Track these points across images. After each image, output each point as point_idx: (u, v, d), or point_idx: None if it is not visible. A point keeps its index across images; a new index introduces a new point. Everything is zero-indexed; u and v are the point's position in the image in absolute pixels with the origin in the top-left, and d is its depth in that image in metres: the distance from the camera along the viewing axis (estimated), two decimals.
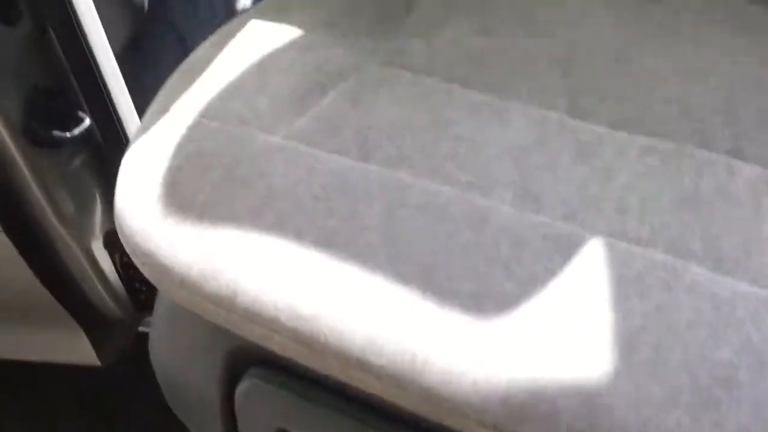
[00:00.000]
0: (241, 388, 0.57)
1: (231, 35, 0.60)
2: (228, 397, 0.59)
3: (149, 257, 0.50)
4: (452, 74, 0.58)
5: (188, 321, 0.59)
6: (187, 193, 0.50)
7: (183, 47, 0.90)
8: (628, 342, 0.42)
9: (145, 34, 0.83)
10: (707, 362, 0.41)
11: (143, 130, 0.55)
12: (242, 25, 0.61)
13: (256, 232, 0.48)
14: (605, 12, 0.64)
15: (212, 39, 0.60)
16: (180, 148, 0.52)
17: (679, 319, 0.42)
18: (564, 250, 0.46)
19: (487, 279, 0.45)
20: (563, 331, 0.42)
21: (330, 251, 0.47)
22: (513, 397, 0.41)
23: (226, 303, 0.47)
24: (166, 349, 0.67)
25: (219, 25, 0.61)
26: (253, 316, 0.47)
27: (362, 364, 0.45)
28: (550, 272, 0.45)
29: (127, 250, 0.51)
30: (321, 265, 0.46)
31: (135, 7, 0.81)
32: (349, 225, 0.48)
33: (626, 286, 0.44)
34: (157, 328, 0.65)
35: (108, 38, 0.71)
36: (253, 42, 0.59)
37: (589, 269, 0.45)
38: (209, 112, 0.54)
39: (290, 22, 0.61)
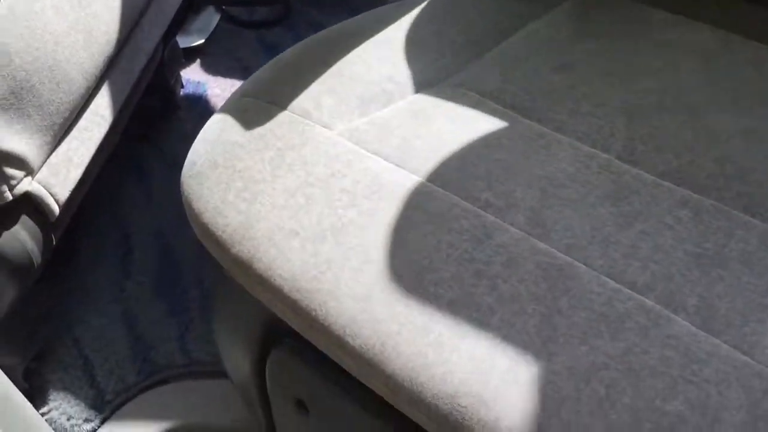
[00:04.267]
0: (271, 357, 0.64)
1: (321, 40, 0.68)
2: (262, 365, 0.66)
3: (197, 217, 0.58)
4: (516, 103, 0.62)
5: (238, 291, 0.66)
6: (240, 166, 0.58)
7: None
8: (584, 375, 0.43)
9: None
10: (656, 411, 0.41)
11: (227, 106, 0.64)
12: (335, 32, 0.69)
13: (283, 210, 0.55)
14: (695, 65, 0.64)
15: (306, 41, 0.68)
16: (247, 127, 0.61)
17: (643, 364, 0.43)
18: (553, 279, 0.48)
19: (470, 290, 0.48)
20: (525, 351, 0.45)
21: (339, 237, 0.52)
22: (461, 397, 0.44)
23: (244, 267, 0.55)
24: (224, 317, 0.76)
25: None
26: (263, 282, 0.54)
27: (341, 343, 0.50)
28: (533, 296, 0.47)
29: (185, 208, 0.60)
30: (328, 247, 0.52)
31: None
32: (364, 219, 0.53)
33: (603, 323, 0.45)
34: (218, 295, 0.74)
35: None
36: (338, 47, 0.67)
37: (572, 301, 0.47)
38: (280, 102, 0.62)
39: (378, 35, 0.68)
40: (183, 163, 1.12)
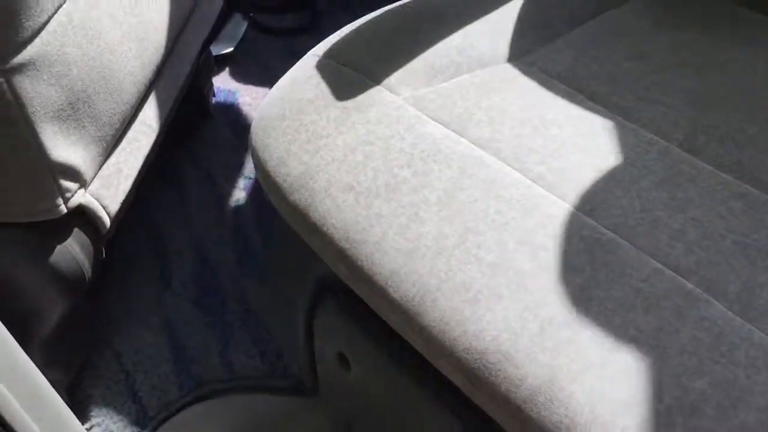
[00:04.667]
0: (320, 309, 0.66)
1: (397, 10, 0.70)
2: (311, 318, 0.69)
3: (262, 164, 0.61)
4: (584, 86, 0.63)
5: (293, 246, 0.69)
6: (306, 120, 0.61)
7: None
8: (613, 345, 0.44)
9: None
10: (679, 387, 0.42)
11: (300, 65, 0.67)
12: (412, 3, 0.71)
13: (342, 165, 0.57)
14: None
15: (381, 11, 0.70)
16: (317, 85, 0.64)
17: (673, 342, 0.44)
18: (594, 253, 0.49)
19: (511, 255, 0.49)
20: (557, 317, 0.46)
21: (392, 195, 0.54)
22: (490, 354, 0.46)
23: (300, 215, 0.57)
24: (278, 271, 0.79)
25: None
26: (316, 230, 0.56)
27: (383, 294, 0.52)
28: (572, 266, 0.48)
29: (252, 156, 0.63)
30: (380, 203, 0.54)
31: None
32: (418, 179, 0.55)
33: (639, 299, 0.46)
34: (273, 244, 0.77)
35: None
36: (414, 18, 0.69)
37: (610, 275, 0.48)
38: (351, 64, 0.65)
39: (454, 8, 0.69)
40: (216, 172, 1.13)
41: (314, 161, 0.59)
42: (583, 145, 0.57)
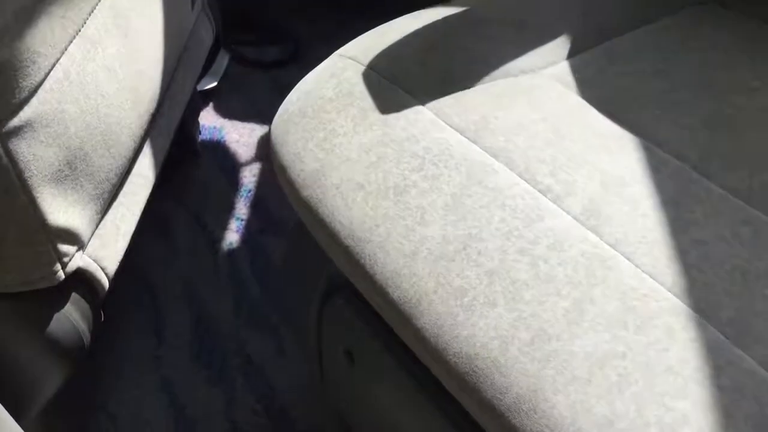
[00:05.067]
0: (328, 305, 0.68)
1: (422, 15, 0.71)
2: (320, 313, 0.71)
3: (279, 159, 0.63)
4: (602, 101, 0.63)
5: (308, 241, 0.71)
6: (325, 118, 0.63)
7: None
8: (600, 361, 0.45)
9: None
10: (662, 406, 0.42)
11: (325, 64, 0.68)
12: (438, 9, 0.72)
13: (356, 164, 0.59)
14: None
15: (407, 16, 0.72)
16: (339, 85, 0.65)
17: (660, 361, 0.44)
18: (593, 268, 0.49)
19: (510, 264, 0.50)
20: (548, 329, 0.47)
21: (400, 196, 0.56)
22: (479, 360, 0.47)
23: (311, 210, 0.59)
24: (294, 259, 0.81)
25: None
26: (324, 226, 0.58)
27: (382, 293, 0.53)
28: (569, 280, 0.49)
29: (270, 152, 0.65)
30: (388, 204, 0.56)
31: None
32: (427, 183, 0.56)
33: (631, 316, 0.47)
34: (289, 240, 0.79)
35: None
36: (438, 24, 0.70)
37: (606, 291, 0.48)
38: (374, 65, 0.66)
39: (480, 15, 0.70)
40: (206, 214, 1.09)
41: (329, 159, 0.60)
42: (594, 159, 0.58)
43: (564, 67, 0.68)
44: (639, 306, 0.47)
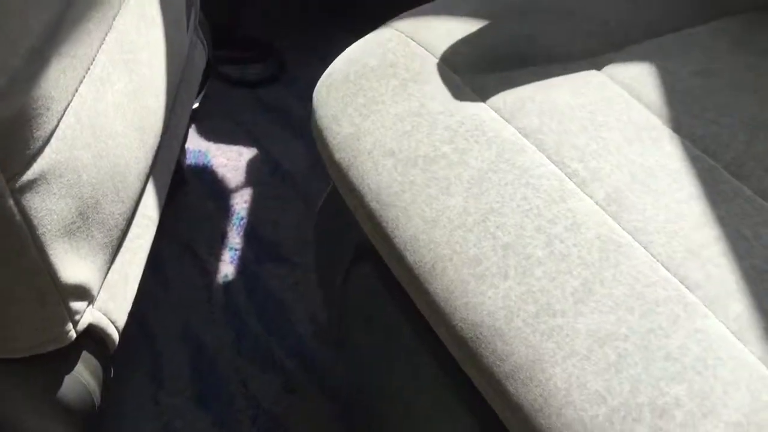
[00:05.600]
0: (354, 272, 0.70)
1: None
2: (347, 278, 0.73)
3: (317, 121, 0.65)
4: (643, 95, 0.64)
5: (339, 209, 0.73)
6: (366, 86, 0.65)
7: None
8: (601, 340, 0.46)
9: None
10: (656, 389, 0.43)
11: (374, 34, 0.70)
12: None
13: (389, 131, 0.61)
14: None
15: None
16: (384, 54, 0.67)
17: (661, 347, 0.45)
18: (608, 252, 0.50)
19: (526, 240, 0.52)
20: (555, 305, 0.48)
21: (428, 165, 0.57)
22: (484, 328, 0.49)
23: (342, 172, 0.61)
24: (324, 227, 0.84)
25: None
26: (353, 189, 0.60)
27: (400, 257, 0.55)
28: (582, 261, 0.50)
29: (312, 112, 0.67)
30: (415, 172, 0.57)
31: None
32: (456, 156, 0.58)
33: (638, 301, 0.48)
34: (323, 210, 0.81)
35: None
36: (493, 3, 0.71)
37: (617, 275, 0.49)
38: (421, 40, 0.68)
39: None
40: (197, 245, 1.04)
41: (365, 124, 0.62)
42: (627, 150, 0.58)
43: (608, 59, 0.68)
44: (647, 293, 0.48)
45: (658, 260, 0.50)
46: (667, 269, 0.50)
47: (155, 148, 0.73)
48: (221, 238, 1.07)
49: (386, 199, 0.57)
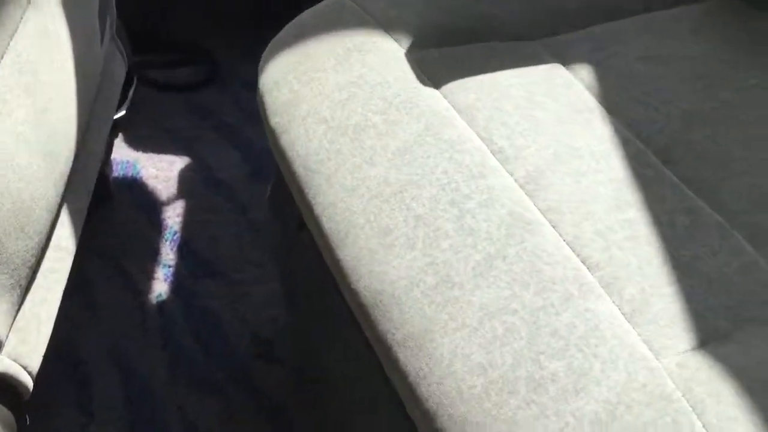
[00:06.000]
0: (296, 243, 0.71)
1: None
2: (291, 247, 0.74)
3: (260, 86, 0.66)
4: (585, 77, 0.64)
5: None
6: (311, 53, 0.66)
7: None
8: (492, 313, 0.47)
9: None
10: (536, 364, 0.44)
11: (320, 6, 0.71)
12: None
13: (326, 100, 0.62)
14: None
15: None
16: (332, 22, 0.68)
17: (549, 323, 0.46)
18: (516, 228, 0.51)
19: (438, 213, 0.52)
20: (454, 277, 0.49)
21: (357, 135, 0.58)
22: (383, 296, 0.50)
23: (276, 137, 0.62)
24: (275, 199, 0.85)
25: None
26: (284, 154, 0.61)
27: (318, 223, 0.56)
28: (489, 236, 0.51)
29: (258, 79, 0.68)
30: (344, 140, 0.58)
31: None
32: (385, 127, 0.59)
33: (535, 278, 0.48)
34: (276, 181, 0.82)
35: None
36: None
37: (521, 252, 0.50)
38: (371, 10, 0.68)
39: None
40: (128, 263, 0.97)
41: (303, 91, 0.63)
42: (557, 130, 0.58)
43: (561, 40, 0.68)
44: (546, 270, 0.49)
45: (564, 240, 0.51)
46: (572, 249, 0.50)
47: (66, 174, 0.68)
48: (153, 255, 1.00)
49: (312, 165, 0.58)
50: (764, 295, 0.49)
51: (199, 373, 0.87)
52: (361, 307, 0.51)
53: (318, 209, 0.56)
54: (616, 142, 0.58)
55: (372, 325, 0.50)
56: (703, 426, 0.40)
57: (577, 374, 0.43)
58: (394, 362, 0.48)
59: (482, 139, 0.57)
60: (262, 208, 0.99)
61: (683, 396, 0.42)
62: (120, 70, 0.88)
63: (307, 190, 0.58)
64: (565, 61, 0.66)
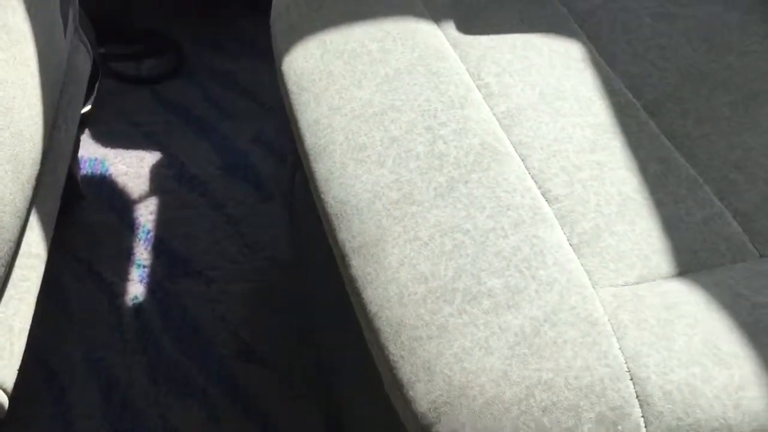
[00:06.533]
0: (299, 173, 0.74)
1: None
2: (293, 179, 0.77)
3: (273, 10, 0.69)
4: (591, 29, 0.65)
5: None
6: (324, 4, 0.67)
7: None
8: (444, 230, 0.49)
9: None
10: (474, 278, 0.46)
11: None
12: None
13: (329, 25, 0.64)
14: None
15: None
16: None
17: (495, 244, 0.48)
18: (483, 157, 0.53)
19: (413, 136, 0.54)
20: (415, 197, 0.51)
21: (352, 60, 0.60)
22: (349, 206, 0.52)
23: (279, 59, 0.65)
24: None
25: None
26: (282, 73, 0.63)
27: (302, 141, 0.59)
28: (456, 162, 0.53)
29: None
30: (338, 63, 0.60)
31: None
32: (380, 54, 0.60)
33: (492, 203, 0.50)
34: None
35: None
36: None
37: (483, 179, 0.51)
38: None
39: None
40: (100, 264, 0.94)
41: (311, 16, 0.65)
42: (547, 72, 0.59)
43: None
44: (504, 197, 0.50)
45: (529, 172, 0.52)
46: (535, 181, 0.51)
47: (34, 176, 0.64)
48: (127, 255, 0.96)
49: (304, 84, 0.61)
50: (721, 247, 0.49)
51: (180, 378, 0.84)
52: (328, 216, 0.53)
53: (303, 125, 0.59)
54: (604, 91, 0.59)
55: (334, 233, 0.52)
56: (620, 348, 0.42)
57: (512, 292, 0.45)
58: (348, 268, 0.50)
59: (470, 74, 0.59)
60: (237, 202, 0.98)
61: (609, 321, 0.43)
62: (85, 64, 0.85)
63: (296, 107, 0.60)
64: (575, 11, 0.66)
